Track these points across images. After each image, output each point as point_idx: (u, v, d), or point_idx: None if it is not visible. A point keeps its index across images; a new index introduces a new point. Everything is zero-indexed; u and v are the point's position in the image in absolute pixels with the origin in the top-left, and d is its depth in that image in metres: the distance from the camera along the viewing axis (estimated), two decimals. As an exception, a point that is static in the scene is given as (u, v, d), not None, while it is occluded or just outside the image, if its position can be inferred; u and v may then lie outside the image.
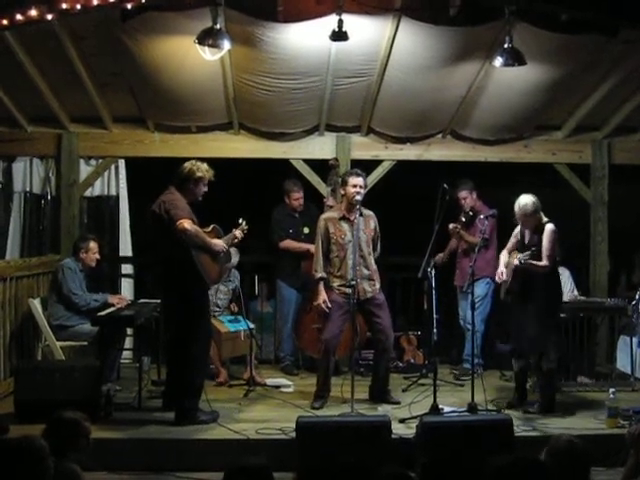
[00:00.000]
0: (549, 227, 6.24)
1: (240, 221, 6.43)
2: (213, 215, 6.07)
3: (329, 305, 6.48)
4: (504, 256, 6.54)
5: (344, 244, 6.51)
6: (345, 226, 6.56)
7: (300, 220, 7.99)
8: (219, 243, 6.01)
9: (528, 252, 6.07)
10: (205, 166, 6.04)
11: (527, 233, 6.40)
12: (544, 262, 6.15)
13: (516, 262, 6.10)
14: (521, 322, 6.31)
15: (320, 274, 6.56)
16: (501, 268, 6.44)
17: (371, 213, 6.68)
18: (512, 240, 6.56)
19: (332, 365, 6.63)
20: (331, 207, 7.53)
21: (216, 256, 5.99)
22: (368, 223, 6.62)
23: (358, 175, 6.57)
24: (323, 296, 6.52)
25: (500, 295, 6.71)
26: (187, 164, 6.04)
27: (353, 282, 6.25)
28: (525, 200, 6.25)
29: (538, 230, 6.27)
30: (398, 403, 6.58)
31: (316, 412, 6.25)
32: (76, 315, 6.95)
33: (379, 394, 6.66)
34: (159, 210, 5.82)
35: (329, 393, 6.59)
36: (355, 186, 6.49)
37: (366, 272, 6.56)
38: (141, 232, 8.33)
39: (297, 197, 7.96)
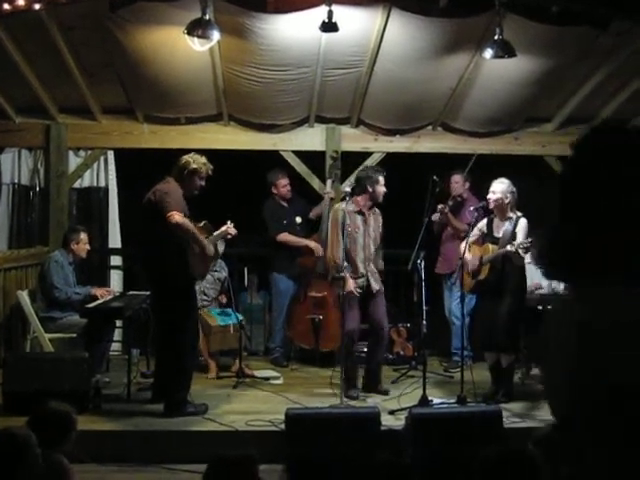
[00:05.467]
0: (525, 221, 6.28)
1: (228, 222, 6.38)
2: (201, 206, 6.04)
3: (359, 290, 6.54)
4: (465, 248, 6.45)
5: (356, 238, 6.60)
6: (359, 220, 6.64)
7: (291, 210, 7.98)
8: (209, 247, 5.96)
9: (529, 240, 6.04)
10: (202, 159, 6.01)
11: (498, 225, 6.39)
12: (523, 254, 6.19)
13: (511, 248, 6.03)
14: (493, 316, 6.27)
15: (342, 263, 6.52)
16: (473, 262, 6.37)
17: (379, 211, 6.81)
18: (475, 233, 6.53)
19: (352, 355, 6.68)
20: (332, 199, 7.55)
21: (203, 254, 5.95)
22: (377, 220, 6.76)
23: (385, 175, 6.71)
24: (351, 283, 6.51)
25: (464, 288, 6.62)
26: (185, 156, 6.01)
27: (363, 275, 6.48)
28: (507, 182, 6.30)
29: (507, 220, 6.30)
30: (386, 393, 6.60)
31: (306, 403, 6.24)
32: (59, 310, 6.94)
33: (371, 383, 6.69)
34: (154, 198, 5.80)
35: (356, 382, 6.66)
36: (383, 186, 6.64)
37: (374, 268, 6.69)
38: (130, 223, 8.31)
39: (284, 184, 7.94)
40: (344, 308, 6.39)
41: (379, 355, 6.78)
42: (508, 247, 6.07)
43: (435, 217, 7.63)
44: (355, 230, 6.62)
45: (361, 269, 6.57)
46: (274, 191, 7.98)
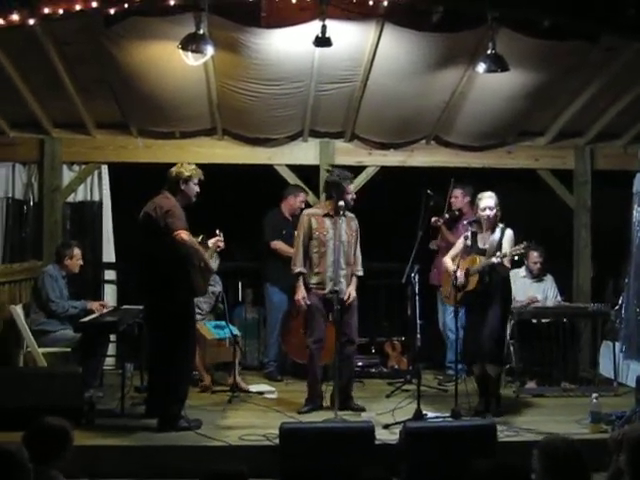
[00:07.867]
0: (510, 232, 6.30)
1: (217, 232, 6.37)
2: (196, 220, 6.04)
3: (308, 302, 6.46)
4: (449, 262, 6.47)
5: (325, 241, 6.48)
6: (328, 223, 6.52)
7: (292, 224, 7.96)
8: (211, 263, 5.99)
9: (521, 245, 6.03)
10: (192, 165, 6.06)
11: (483, 236, 6.39)
12: (508, 265, 6.24)
13: (497, 260, 6.03)
14: (480, 327, 6.26)
15: (299, 269, 6.52)
16: (459, 274, 6.29)
17: (352, 215, 6.67)
18: (459, 246, 6.50)
19: (320, 369, 6.60)
20: None
21: (204, 270, 5.96)
22: (350, 224, 6.59)
23: (352, 182, 6.74)
24: (302, 292, 6.47)
25: (449, 301, 6.56)
26: (174, 167, 6.04)
27: (337, 288, 6.26)
28: (494, 196, 6.33)
29: (494, 231, 6.32)
30: (363, 410, 6.51)
31: (300, 417, 6.23)
32: (57, 321, 6.92)
33: (342, 401, 6.32)
34: (155, 214, 5.78)
35: (321, 400, 6.56)
36: (350, 193, 6.57)
37: (344, 272, 6.49)
38: (124, 238, 8.30)
39: (302, 199, 8.04)
40: (338, 320, 6.26)
41: (347, 371, 6.51)
42: (494, 259, 6.08)
43: (432, 245, 7.85)
44: (323, 233, 6.50)
45: (329, 273, 6.40)
46: (290, 202, 8.02)
